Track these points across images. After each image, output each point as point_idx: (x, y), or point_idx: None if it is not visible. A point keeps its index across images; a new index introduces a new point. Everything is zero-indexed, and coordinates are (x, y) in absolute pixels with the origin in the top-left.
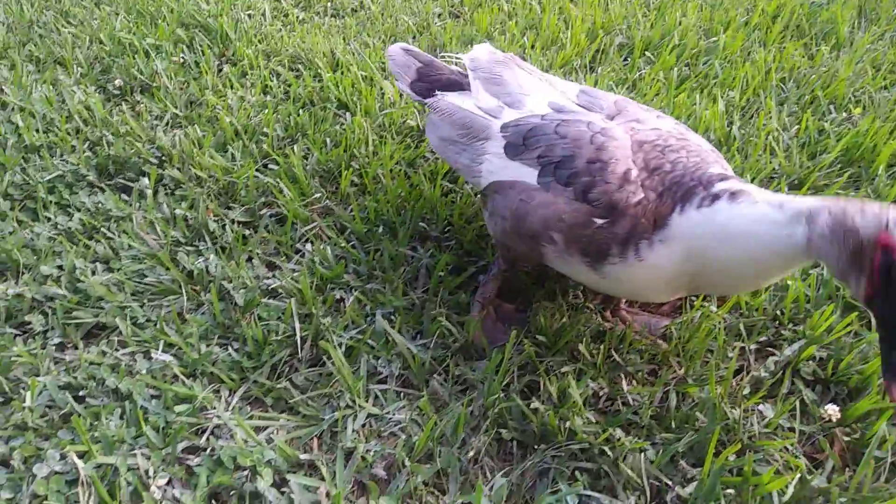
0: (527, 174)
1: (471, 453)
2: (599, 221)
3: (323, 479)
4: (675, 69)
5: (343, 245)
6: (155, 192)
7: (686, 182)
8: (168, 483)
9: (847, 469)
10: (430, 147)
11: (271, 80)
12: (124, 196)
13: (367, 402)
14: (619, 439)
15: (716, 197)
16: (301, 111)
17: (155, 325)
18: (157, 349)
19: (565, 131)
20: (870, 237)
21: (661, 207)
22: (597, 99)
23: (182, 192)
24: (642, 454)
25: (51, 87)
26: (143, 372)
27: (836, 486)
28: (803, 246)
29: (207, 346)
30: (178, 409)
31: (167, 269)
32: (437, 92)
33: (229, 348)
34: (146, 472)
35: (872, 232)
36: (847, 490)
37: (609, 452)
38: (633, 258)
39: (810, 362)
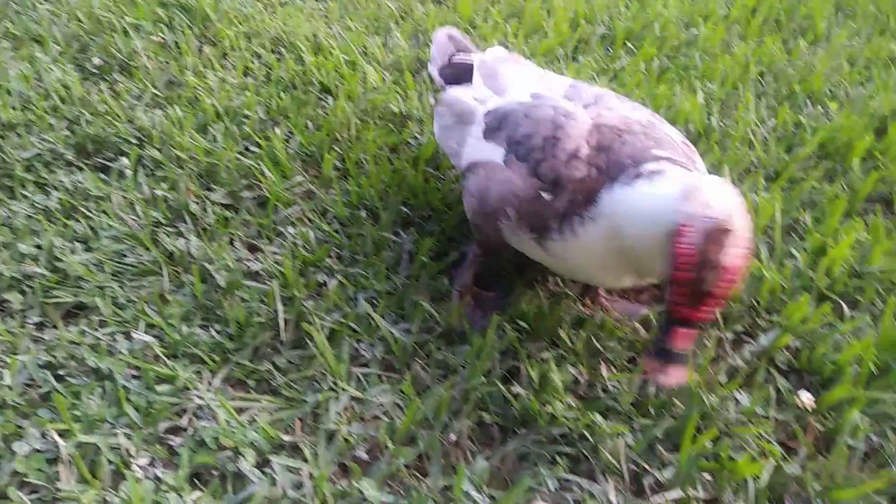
0: (496, 154)
1: (452, 436)
2: (545, 196)
3: (306, 460)
4: (656, 60)
5: (325, 228)
6: (135, 173)
7: (623, 161)
8: (150, 463)
9: (820, 456)
10: (435, 137)
11: (252, 63)
12: (103, 176)
13: (349, 385)
14: (598, 425)
15: (638, 175)
16: (283, 94)
17: (135, 305)
18: (138, 329)
19: (532, 113)
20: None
21: (596, 184)
22: (581, 91)
23: (162, 172)
24: (621, 439)
25: (28, 65)
26: (124, 352)
27: (809, 472)
28: None
29: (189, 327)
30: (159, 389)
31: (147, 249)
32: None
33: (211, 329)
34: (127, 451)
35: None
36: (820, 477)
37: (589, 437)
38: (569, 234)
39: (785, 351)
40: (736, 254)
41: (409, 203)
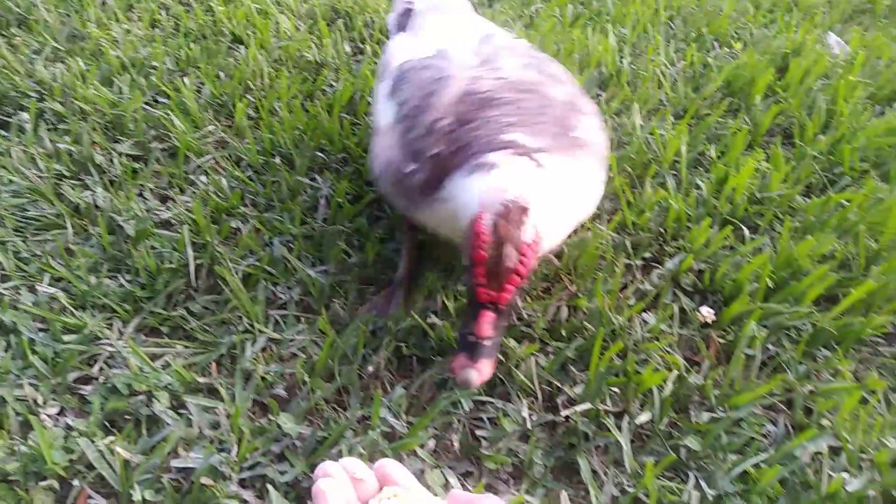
0: (390, 115)
1: (370, 368)
2: (409, 167)
3: (222, 400)
4: (570, 6)
5: (239, 176)
6: (35, 127)
7: (472, 145)
8: (60, 412)
9: (721, 367)
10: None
11: (160, 14)
12: (2, 131)
13: (266, 327)
14: (513, 349)
15: (477, 167)
16: (192, 45)
17: (40, 258)
18: (43, 282)
19: (416, 74)
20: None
21: (446, 164)
22: (490, 43)
23: (65, 126)
24: (534, 360)
25: None
26: (29, 304)
27: (710, 381)
28: None
29: (97, 278)
30: (66, 339)
31: (51, 203)
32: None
33: (120, 279)
34: (35, 401)
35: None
36: (721, 386)
37: (504, 361)
38: (426, 209)
39: (690, 274)
40: (530, 232)
41: (325, 149)
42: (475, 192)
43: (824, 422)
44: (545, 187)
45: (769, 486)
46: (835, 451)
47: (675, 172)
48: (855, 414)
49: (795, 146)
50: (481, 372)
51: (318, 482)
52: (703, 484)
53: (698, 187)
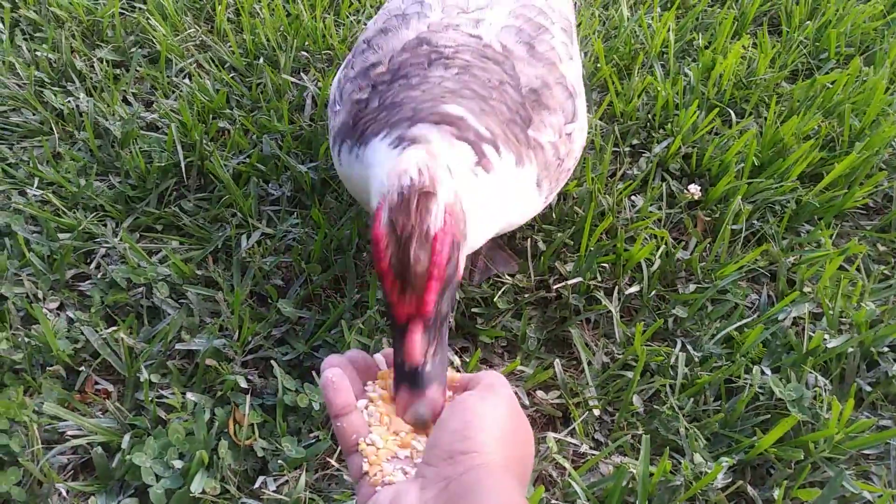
0: (368, 32)
1: (365, 255)
2: (336, 105)
3: (221, 289)
4: None
5: (224, 78)
6: (11, 36)
7: (404, 110)
8: (60, 308)
9: (708, 243)
10: None
11: None
12: None
13: (260, 222)
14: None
15: (401, 140)
16: None
17: (28, 164)
18: (33, 186)
19: (386, 15)
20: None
21: (368, 121)
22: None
23: (42, 34)
24: (530, 242)
25: None
26: (21, 207)
27: (696, 256)
28: None
29: (87, 180)
30: (62, 237)
31: (34, 109)
32: None
33: (111, 180)
34: (35, 296)
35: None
36: (707, 260)
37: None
38: (336, 158)
39: (677, 158)
40: (436, 217)
41: (308, 49)
42: (385, 173)
43: (806, 289)
44: (486, 191)
45: (752, 348)
46: (816, 316)
47: (663, 62)
48: (836, 280)
49: (782, 33)
50: (432, 403)
51: (325, 373)
52: (689, 347)
53: (686, 75)
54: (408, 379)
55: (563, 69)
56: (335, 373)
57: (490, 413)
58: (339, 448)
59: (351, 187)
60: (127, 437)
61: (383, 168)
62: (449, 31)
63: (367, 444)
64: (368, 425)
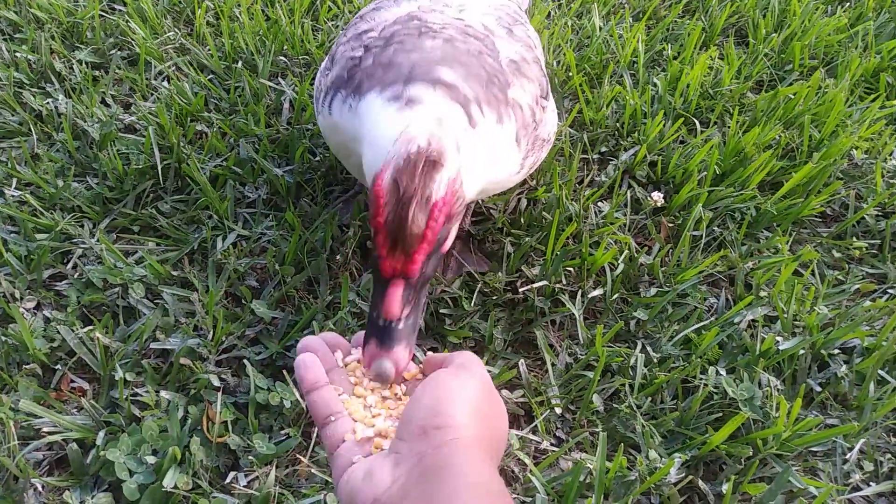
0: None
1: (338, 257)
2: (327, 71)
3: (196, 290)
4: None
5: (202, 81)
6: None
7: (401, 69)
8: (37, 307)
9: (670, 247)
10: None
11: None
12: None
13: (235, 225)
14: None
15: (397, 97)
16: None
17: (6, 164)
18: (11, 187)
19: (381, 3)
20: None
21: (366, 73)
22: None
23: (21, 35)
24: (499, 247)
25: None
26: None
27: (658, 261)
28: None
29: (65, 181)
30: (39, 237)
31: (13, 110)
32: None
33: (89, 181)
34: (12, 295)
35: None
36: (668, 265)
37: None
38: (327, 110)
39: (643, 165)
40: (439, 186)
41: (286, 54)
42: (382, 130)
43: (762, 294)
44: (472, 146)
45: (708, 349)
46: (771, 320)
47: (632, 72)
48: (791, 285)
49: (749, 44)
50: (397, 361)
51: (300, 355)
52: (648, 349)
53: (654, 85)
54: (379, 334)
55: (537, 53)
56: (307, 355)
57: (463, 390)
58: (315, 425)
59: (336, 140)
60: (101, 434)
61: (377, 124)
62: (436, 14)
63: (349, 398)
64: (339, 394)
